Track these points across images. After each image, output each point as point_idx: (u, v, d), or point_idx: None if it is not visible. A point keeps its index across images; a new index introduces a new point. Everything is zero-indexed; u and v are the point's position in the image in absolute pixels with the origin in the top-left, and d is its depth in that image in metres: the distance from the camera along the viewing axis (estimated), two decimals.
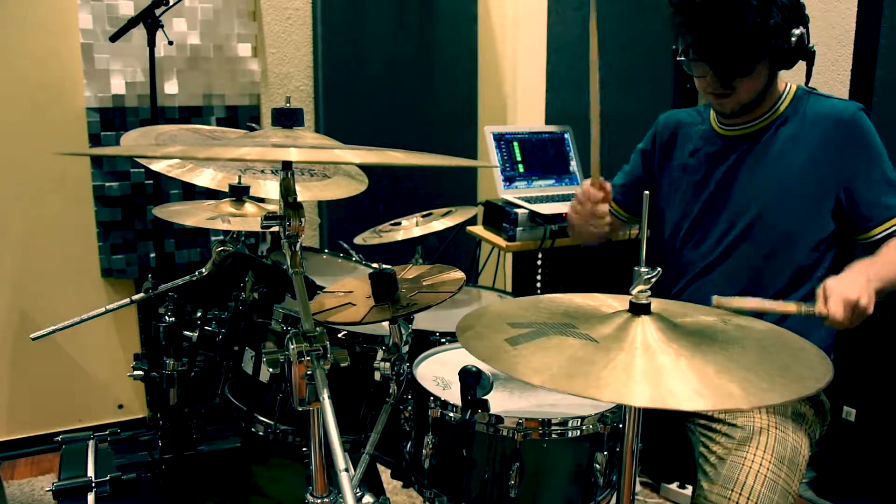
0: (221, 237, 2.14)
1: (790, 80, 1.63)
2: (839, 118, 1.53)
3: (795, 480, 1.40)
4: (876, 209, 1.51)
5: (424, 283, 1.43)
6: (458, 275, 1.44)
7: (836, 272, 1.43)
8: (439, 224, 2.05)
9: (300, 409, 1.06)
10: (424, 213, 2.14)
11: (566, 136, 2.84)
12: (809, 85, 1.61)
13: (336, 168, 1.79)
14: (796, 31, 1.48)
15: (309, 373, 1.04)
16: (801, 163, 1.55)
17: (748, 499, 1.34)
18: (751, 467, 1.38)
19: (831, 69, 2.25)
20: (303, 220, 1.09)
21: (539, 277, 2.66)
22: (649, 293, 1.02)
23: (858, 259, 1.46)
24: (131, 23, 2.36)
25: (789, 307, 1.33)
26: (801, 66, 1.58)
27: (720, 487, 1.38)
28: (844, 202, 1.53)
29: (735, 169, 1.62)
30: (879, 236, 1.50)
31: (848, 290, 1.28)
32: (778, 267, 1.57)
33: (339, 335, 1.52)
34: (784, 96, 1.60)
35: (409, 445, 1.37)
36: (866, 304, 1.28)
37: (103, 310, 1.73)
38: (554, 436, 1.23)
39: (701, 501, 1.41)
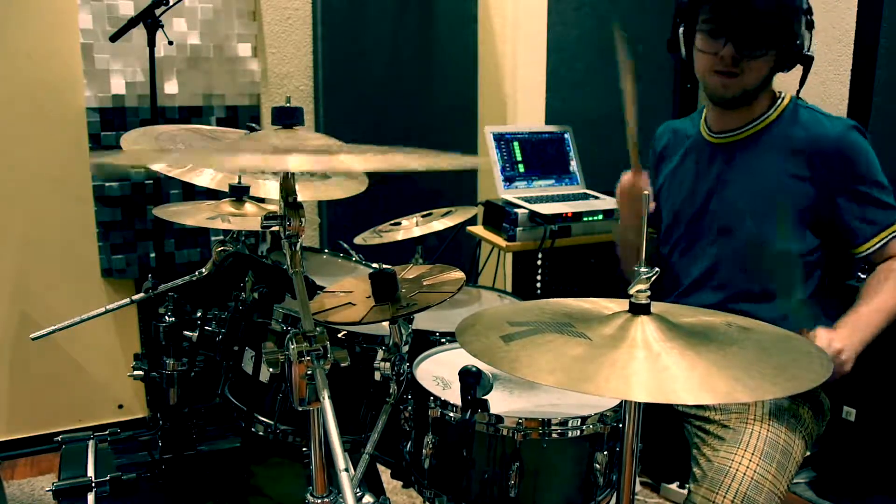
0: (221, 237, 2.13)
1: (784, 88, 1.62)
2: (830, 134, 1.51)
3: (784, 482, 1.39)
4: (864, 224, 1.51)
5: (424, 283, 1.42)
6: (458, 275, 1.44)
7: (823, 288, 1.52)
8: (439, 224, 2.04)
9: (300, 409, 1.06)
10: (424, 213, 2.13)
11: (566, 136, 2.84)
12: (801, 95, 1.60)
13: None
14: (808, 34, 1.50)
15: (309, 373, 1.04)
16: (786, 175, 1.53)
17: (732, 501, 1.34)
18: (737, 469, 1.38)
19: (831, 69, 2.25)
20: (303, 219, 1.09)
21: (539, 278, 2.66)
22: (649, 292, 1.02)
23: (850, 310, 1.48)
24: (131, 23, 2.36)
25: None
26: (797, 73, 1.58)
27: (705, 489, 1.38)
28: (829, 218, 1.52)
29: (721, 179, 1.61)
30: (870, 251, 1.51)
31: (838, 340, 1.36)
32: (761, 277, 1.56)
33: (339, 335, 1.52)
34: (776, 105, 1.58)
35: (409, 445, 1.37)
36: (845, 361, 1.36)
37: (103, 310, 1.74)
38: (554, 436, 1.23)
39: (687, 503, 1.41)
